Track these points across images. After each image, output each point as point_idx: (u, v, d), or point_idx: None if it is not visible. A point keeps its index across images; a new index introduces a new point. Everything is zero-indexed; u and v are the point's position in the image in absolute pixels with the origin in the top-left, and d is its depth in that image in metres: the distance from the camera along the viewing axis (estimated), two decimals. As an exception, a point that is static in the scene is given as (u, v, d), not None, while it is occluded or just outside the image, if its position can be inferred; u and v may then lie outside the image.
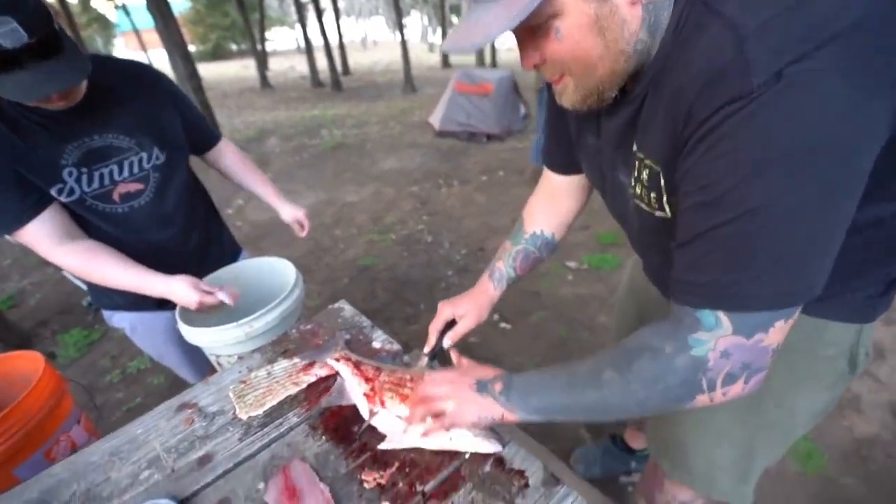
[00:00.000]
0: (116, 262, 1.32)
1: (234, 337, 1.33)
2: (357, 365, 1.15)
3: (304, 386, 1.17)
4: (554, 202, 1.19)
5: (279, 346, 1.32)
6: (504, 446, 0.95)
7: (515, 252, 1.20)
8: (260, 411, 1.12)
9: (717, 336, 0.69)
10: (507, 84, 6.86)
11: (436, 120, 7.29)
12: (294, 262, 1.57)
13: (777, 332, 0.68)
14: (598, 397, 0.77)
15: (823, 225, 0.62)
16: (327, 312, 1.42)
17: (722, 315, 0.68)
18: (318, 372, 1.20)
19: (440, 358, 1.17)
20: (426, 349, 1.16)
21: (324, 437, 1.06)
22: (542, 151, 1.18)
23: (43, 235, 1.25)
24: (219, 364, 1.47)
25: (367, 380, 1.11)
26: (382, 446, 1.00)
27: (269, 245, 4.25)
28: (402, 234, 4.28)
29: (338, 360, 1.19)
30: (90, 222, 1.33)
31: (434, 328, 1.17)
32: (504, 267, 1.20)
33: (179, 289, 1.34)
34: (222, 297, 1.38)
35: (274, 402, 1.14)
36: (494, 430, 0.97)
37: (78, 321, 3.33)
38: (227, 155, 1.67)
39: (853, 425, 2.06)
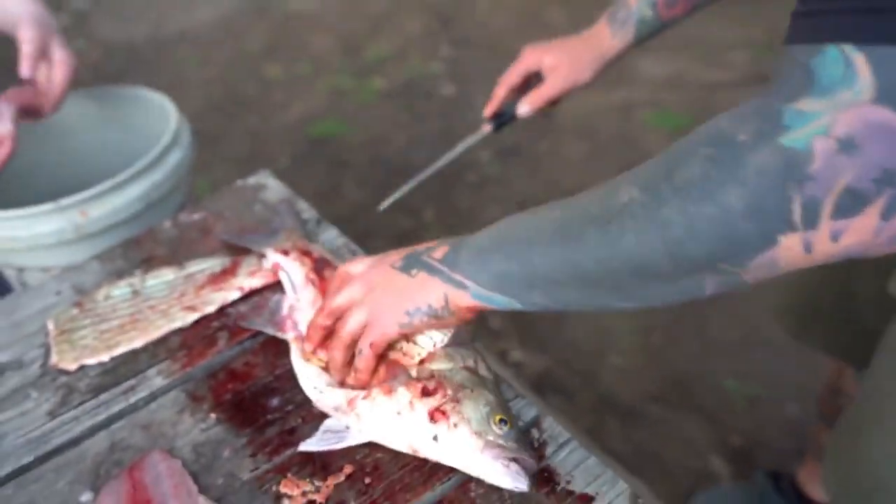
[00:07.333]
0: None
1: (52, 229, 0.83)
2: (319, 267, 0.69)
3: (208, 312, 0.70)
4: None
5: (137, 250, 0.81)
6: (530, 483, 0.51)
7: None
8: (104, 357, 0.66)
9: (837, 104, 0.33)
10: None
11: None
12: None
13: None
14: (602, 241, 0.44)
15: None
16: (232, 192, 0.89)
17: (857, 56, 0.33)
18: (245, 282, 0.72)
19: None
20: (488, 110, 0.91)
21: (213, 416, 0.62)
22: None
23: None
24: (22, 284, 0.94)
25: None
26: (305, 446, 0.58)
27: (140, 81, 2.56)
28: (400, 81, 2.50)
29: (286, 253, 0.72)
30: None
31: (507, 80, 0.90)
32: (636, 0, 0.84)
33: None
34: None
35: (137, 344, 0.68)
36: (524, 445, 0.52)
37: None
38: None
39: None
